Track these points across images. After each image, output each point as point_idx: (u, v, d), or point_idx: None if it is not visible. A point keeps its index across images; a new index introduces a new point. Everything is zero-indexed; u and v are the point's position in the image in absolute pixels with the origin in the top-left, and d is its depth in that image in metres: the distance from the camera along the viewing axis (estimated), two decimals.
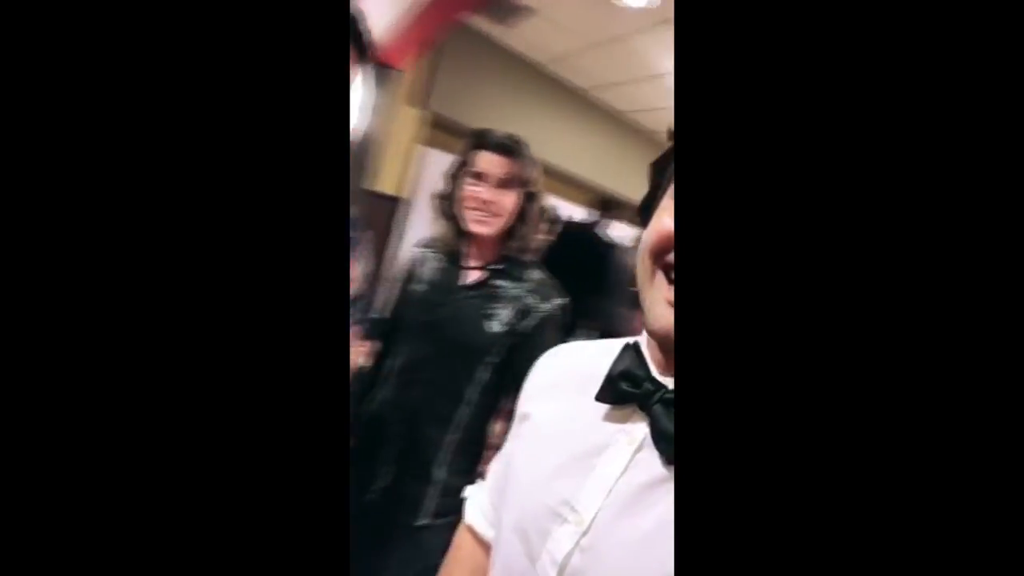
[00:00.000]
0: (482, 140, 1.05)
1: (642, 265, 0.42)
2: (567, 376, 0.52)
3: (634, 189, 4.17)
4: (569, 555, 0.40)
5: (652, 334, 0.41)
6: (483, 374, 1.01)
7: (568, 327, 1.08)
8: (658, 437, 0.39)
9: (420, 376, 1.03)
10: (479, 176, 1.03)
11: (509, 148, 1.03)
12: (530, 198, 1.06)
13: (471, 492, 0.61)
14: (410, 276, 1.15)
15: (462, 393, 1.01)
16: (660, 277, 0.40)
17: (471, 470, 1.02)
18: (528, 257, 1.08)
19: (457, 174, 1.08)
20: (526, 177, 1.05)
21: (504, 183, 1.02)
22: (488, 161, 1.03)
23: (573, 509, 0.41)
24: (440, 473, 1.00)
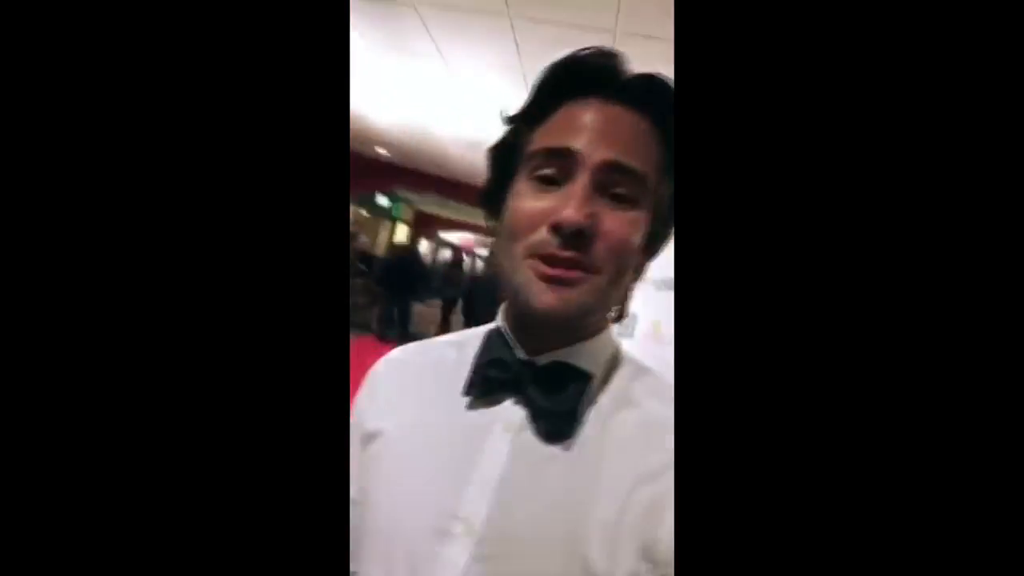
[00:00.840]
0: None
1: (508, 251, 0.41)
2: (417, 378, 0.48)
3: None
4: (466, 571, 0.37)
5: (536, 313, 0.39)
6: None
7: None
8: (536, 415, 0.39)
9: None
10: None
11: None
12: None
13: None
14: None
15: None
16: (529, 260, 0.39)
17: None
18: None
19: None
20: None
21: None
22: None
23: (460, 519, 0.38)
24: None
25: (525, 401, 0.40)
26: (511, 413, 0.41)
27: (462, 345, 0.47)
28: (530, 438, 0.39)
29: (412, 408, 0.46)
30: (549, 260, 0.38)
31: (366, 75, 3.46)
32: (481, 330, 0.47)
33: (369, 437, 0.46)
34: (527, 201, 0.40)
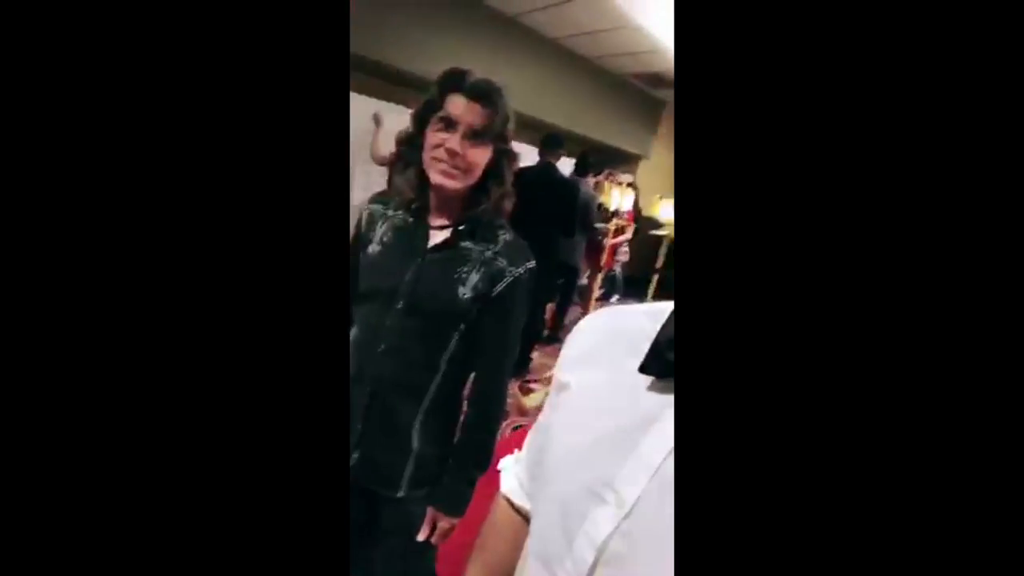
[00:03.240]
0: (455, 82, 0.88)
1: None
2: (608, 342, 0.47)
3: (577, 122, 4.02)
4: (608, 538, 0.37)
5: None
6: (453, 342, 0.94)
7: (535, 290, 1.04)
8: None
9: (387, 346, 0.92)
10: (449, 123, 0.87)
11: (486, 94, 0.87)
12: (504, 156, 0.94)
13: (506, 463, 0.58)
14: (359, 237, 0.99)
15: (435, 363, 0.95)
16: None
17: (445, 440, 1.00)
18: (497, 217, 0.97)
19: (424, 118, 0.91)
20: (502, 131, 0.91)
21: (477, 134, 0.88)
22: (461, 107, 0.87)
23: (614, 490, 0.38)
24: (415, 444, 0.97)
25: None
26: None
27: (658, 316, 0.43)
28: None
29: (597, 370, 0.46)
30: None
31: None
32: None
33: (560, 386, 0.49)
34: None
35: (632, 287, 5.52)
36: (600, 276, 4.56)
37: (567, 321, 4.01)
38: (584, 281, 4.45)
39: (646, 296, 5.48)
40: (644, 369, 0.40)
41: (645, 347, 0.41)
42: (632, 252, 5.21)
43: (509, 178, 0.95)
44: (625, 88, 4.61)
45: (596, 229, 3.87)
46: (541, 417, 0.53)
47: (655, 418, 0.38)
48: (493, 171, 0.92)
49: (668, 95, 5.13)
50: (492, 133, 0.89)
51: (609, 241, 4.39)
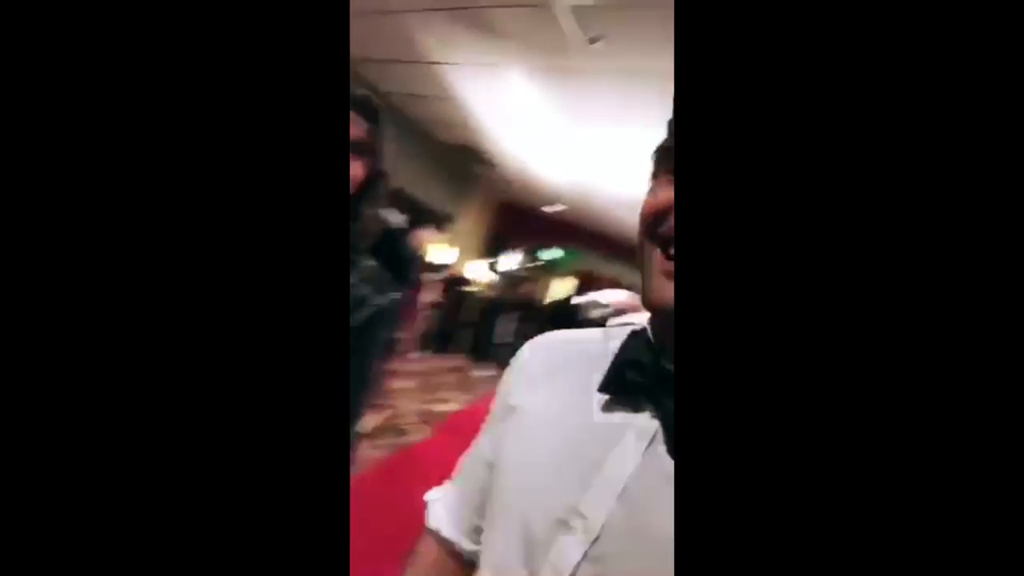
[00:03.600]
0: None
1: (639, 239, 0.40)
2: (562, 364, 0.47)
3: (402, 179, 4.21)
4: (577, 567, 0.36)
5: (648, 307, 0.38)
6: None
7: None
8: (670, 431, 0.36)
9: None
10: None
11: (367, 107, 0.84)
12: (379, 175, 0.90)
13: (435, 495, 0.54)
14: None
15: None
16: (653, 250, 0.37)
17: None
18: (362, 243, 0.92)
19: None
20: (377, 149, 0.88)
21: (357, 147, 0.82)
22: None
23: (580, 515, 0.37)
24: None
25: (659, 410, 0.37)
26: (646, 420, 0.38)
27: (610, 338, 0.44)
28: (662, 451, 0.36)
29: (550, 393, 0.45)
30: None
31: (543, 136, 3.90)
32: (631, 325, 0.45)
33: (508, 410, 0.47)
34: (659, 190, 0.38)
35: (445, 340, 5.94)
36: (414, 328, 4.66)
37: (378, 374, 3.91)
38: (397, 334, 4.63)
39: (466, 349, 6.25)
40: (604, 388, 0.40)
41: (599, 369, 0.41)
42: (446, 306, 5.74)
43: (380, 202, 0.91)
44: (446, 153, 5.00)
45: (418, 281, 4.02)
46: (478, 446, 0.50)
47: (617, 438, 0.38)
48: (367, 190, 0.86)
49: (479, 169, 5.61)
50: (371, 148, 0.84)
51: (424, 296, 4.54)
